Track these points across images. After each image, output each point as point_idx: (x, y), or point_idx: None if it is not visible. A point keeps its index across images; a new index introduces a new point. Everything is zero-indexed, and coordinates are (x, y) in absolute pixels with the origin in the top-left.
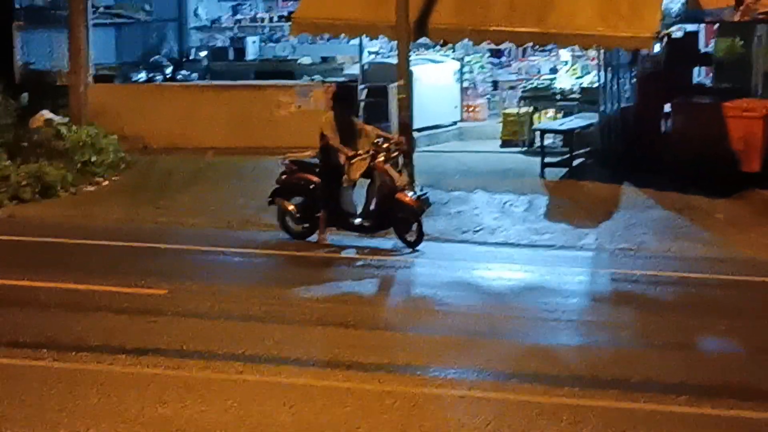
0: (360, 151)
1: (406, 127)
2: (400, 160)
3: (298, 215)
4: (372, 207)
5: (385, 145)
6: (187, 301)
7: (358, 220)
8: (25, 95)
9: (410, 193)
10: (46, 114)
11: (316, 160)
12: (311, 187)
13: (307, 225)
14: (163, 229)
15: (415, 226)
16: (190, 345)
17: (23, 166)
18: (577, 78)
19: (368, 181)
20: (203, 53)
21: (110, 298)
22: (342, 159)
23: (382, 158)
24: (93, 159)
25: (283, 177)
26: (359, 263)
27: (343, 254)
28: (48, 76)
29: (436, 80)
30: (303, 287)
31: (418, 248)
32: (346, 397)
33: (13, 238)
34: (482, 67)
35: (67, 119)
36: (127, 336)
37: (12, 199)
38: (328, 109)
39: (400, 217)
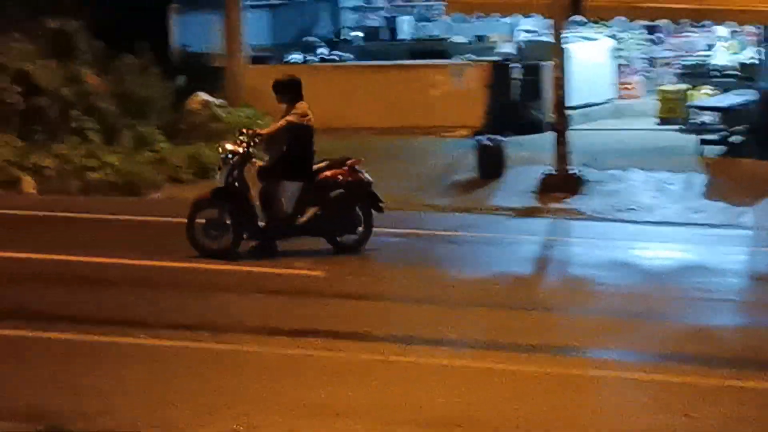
0: None
1: (560, 105)
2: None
3: None
4: None
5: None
6: (344, 282)
7: None
8: (181, 78)
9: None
10: (203, 96)
11: None
12: None
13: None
14: None
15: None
16: (347, 326)
17: (180, 147)
18: (734, 54)
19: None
20: (357, 33)
21: (268, 279)
22: None
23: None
24: None
25: None
26: (513, 243)
27: (497, 234)
28: (203, 58)
29: (591, 58)
30: (459, 268)
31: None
32: (504, 379)
33: (171, 219)
34: (637, 44)
35: (223, 101)
36: (285, 317)
37: (170, 180)
38: (481, 88)
39: None
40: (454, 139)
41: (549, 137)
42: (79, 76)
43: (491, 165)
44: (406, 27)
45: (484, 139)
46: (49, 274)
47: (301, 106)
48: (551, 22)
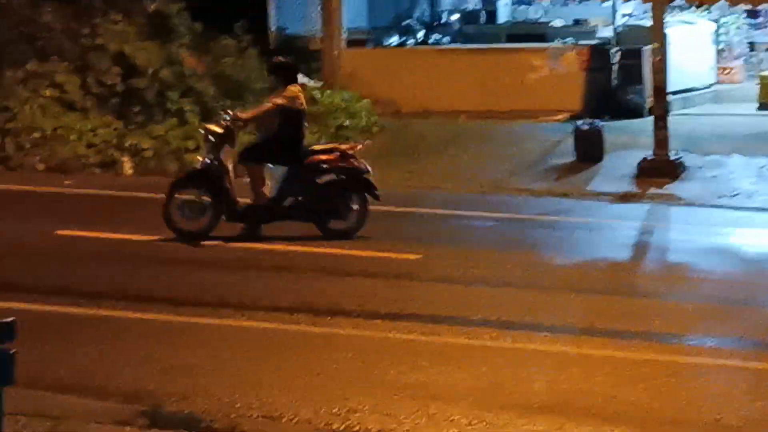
0: None
1: (660, 90)
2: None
3: None
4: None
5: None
6: (440, 266)
7: None
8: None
9: None
10: (300, 78)
11: None
12: None
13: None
14: (415, 193)
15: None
16: (444, 310)
17: None
18: None
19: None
20: (455, 16)
21: (364, 262)
22: None
23: None
24: (346, 123)
25: None
26: (611, 228)
27: (595, 219)
28: (301, 40)
29: (691, 42)
30: (556, 252)
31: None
32: (602, 366)
33: None
34: (738, 28)
35: (320, 83)
36: (381, 301)
37: None
38: (579, 72)
39: None
40: (551, 123)
41: (648, 122)
42: (177, 57)
43: (589, 149)
44: (503, 10)
45: (583, 124)
46: (147, 254)
47: (293, 88)
48: (651, 5)
